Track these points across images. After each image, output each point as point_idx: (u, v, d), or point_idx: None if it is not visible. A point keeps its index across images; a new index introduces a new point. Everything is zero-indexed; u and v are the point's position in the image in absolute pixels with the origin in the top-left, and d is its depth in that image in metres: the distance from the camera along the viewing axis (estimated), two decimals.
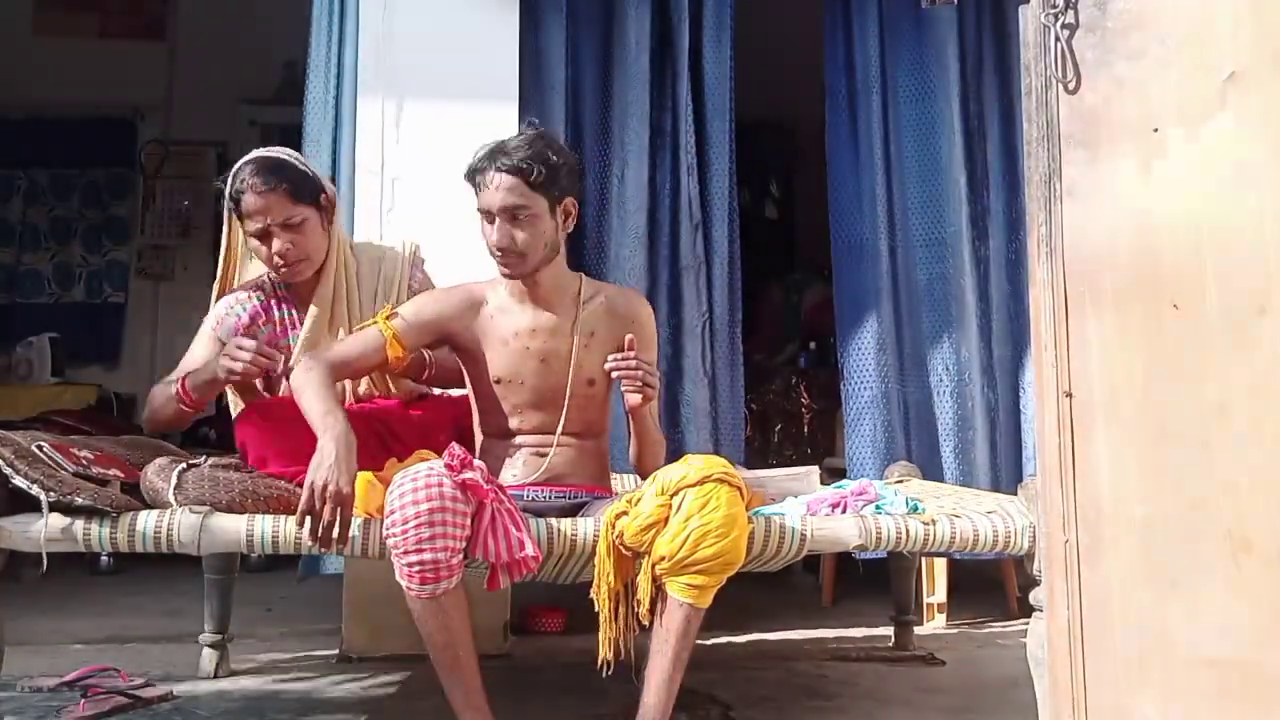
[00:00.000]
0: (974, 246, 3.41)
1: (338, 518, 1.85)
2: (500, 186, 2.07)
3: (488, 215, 2.11)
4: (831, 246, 3.49)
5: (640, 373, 2.06)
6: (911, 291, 3.43)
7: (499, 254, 2.11)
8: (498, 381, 2.17)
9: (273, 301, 2.39)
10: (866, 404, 3.37)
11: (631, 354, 2.07)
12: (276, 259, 2.29)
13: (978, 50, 3.48)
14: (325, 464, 1.87)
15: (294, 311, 2.39)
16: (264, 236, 2.28)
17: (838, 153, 3.51)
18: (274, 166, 2.29)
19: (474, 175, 2.12)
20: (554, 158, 2.10)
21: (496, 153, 2.09)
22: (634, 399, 2.09)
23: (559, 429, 2.14)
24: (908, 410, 3.40)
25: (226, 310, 2.36)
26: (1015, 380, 3.39)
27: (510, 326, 2.17)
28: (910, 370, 3.41)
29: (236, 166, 2.32)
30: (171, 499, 1.95)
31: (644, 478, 2.16)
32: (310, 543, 1.88)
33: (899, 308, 3.42)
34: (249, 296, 2.39)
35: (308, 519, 1.85)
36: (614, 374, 2.08)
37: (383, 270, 2.47)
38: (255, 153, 2.35)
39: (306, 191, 2.30)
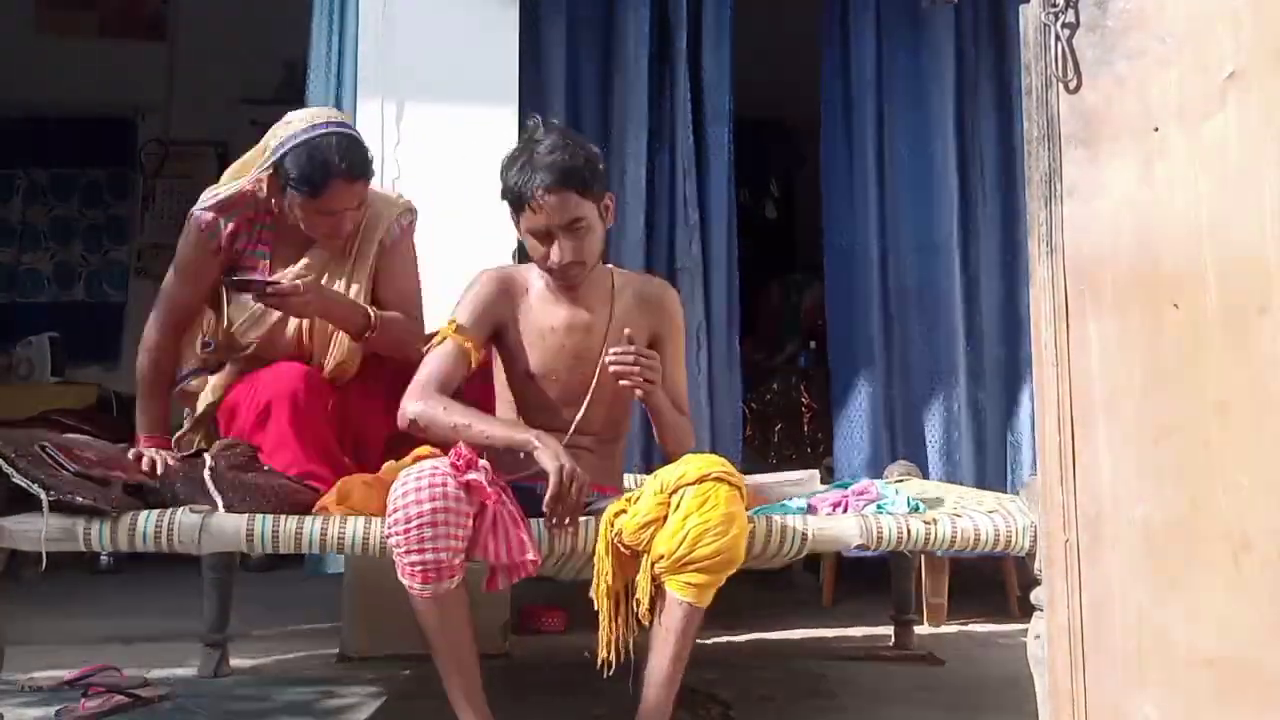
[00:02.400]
0: (964, 252, 3.43)
1: (579, 498, 1.90)
2: (557, 206, 2.04)
3: (543, 235, 2.08)
4: (825, 250, 3.51)
5: (638, 369, 2.03)
6: (902, 296, 3.44)
7: (566, 269, 2.10)
8: (531, 376, 2.17)
9: (253, 216, 2.39)
10: (855, 406, 3.39)
11: (630, 349, 2.04)
12: (336, 237, 2.35)
13: (974, 54, 3.49)
14: (555, 451, 1.92)
15: (269, 229, 2.39)
16: (334, 217, 2.31)
17: (832, 157, 3.52)
18: (361, 158, 2.30)
19: (518, 196, 2.07)
20: (589, 159, 2.10)
21: (536, 168, 2.04)
22: (636, 394, 2.08)
23: (572, 426, 2.14)
24: (894, 413, 3.42)
25: (212, 218, 2.35)
26: (1008, 382, 3.41)
27: (547, 320, 2.18)
28: (898, 373, 3.43)
29: (317, 139, 2.26)
30: (221, 508, 1.97)
31: (670, 460, 2.18)
32: (552, 527, 1.91)
33: (889, 312, 3.44)
34: (232, 208, 2.37)
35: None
36: (612, 369, 2.04)
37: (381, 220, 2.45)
38: (334, 130, 2.29)
39: (370, 171, 2.35)
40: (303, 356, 2.36)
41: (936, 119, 3.42)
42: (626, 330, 2.09)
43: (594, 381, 2.14)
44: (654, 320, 2.23)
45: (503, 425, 2.05)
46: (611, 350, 2.06)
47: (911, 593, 3.05)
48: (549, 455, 1.92)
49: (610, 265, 2.30)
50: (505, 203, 2.14)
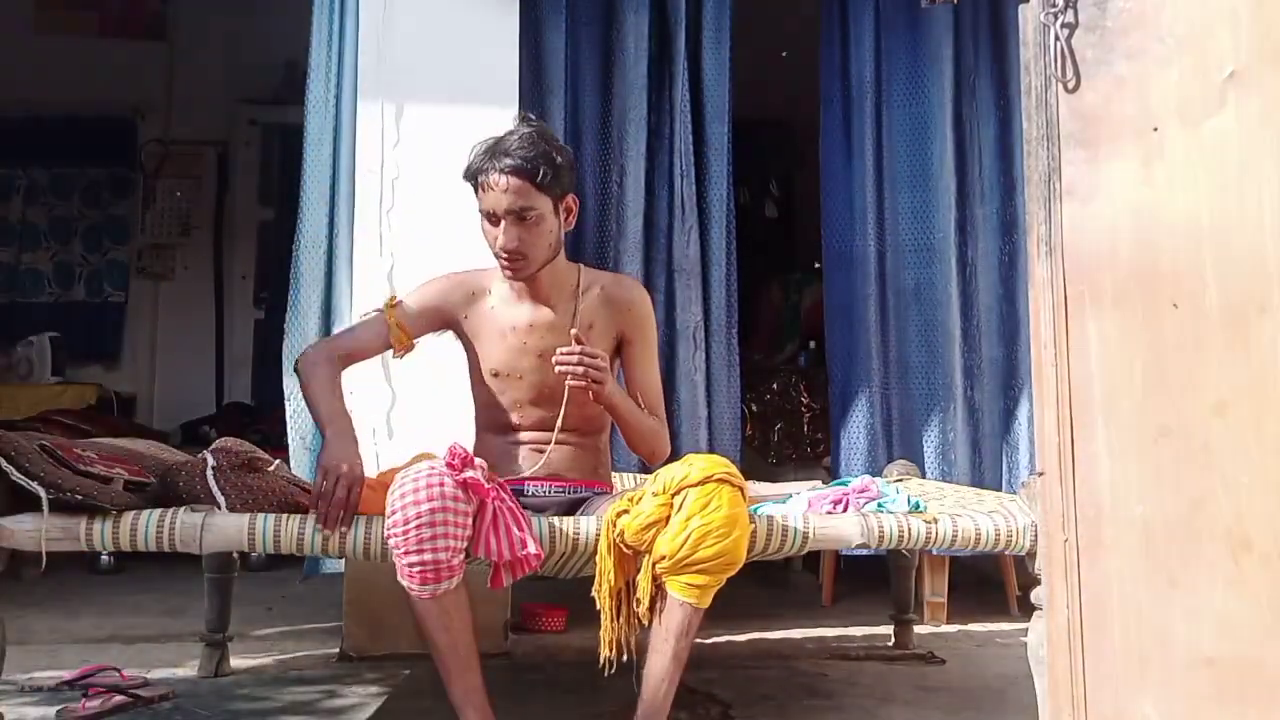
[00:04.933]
0: (961, 252, 3.44)
1: (348, 496, 1.88)
2: (507, 189, 2.04)
3: (491, 217, 2.08)
4: (823, 251, 3.52)
5: (582, 369, 2.00)
6: (899, 296, 3.44)
7: (504, 257, 2.09)
8: (495, 375, 2.17)
9: None
10: (853, 407, 3.40)
11: (575, 349, 2.01)
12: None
13: (973, 54, 3.49)
14: (334, 452, 1.92)
15: None
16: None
17: (830, 158, 3.53)
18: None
19: (475, 176, 2.08)
20: (557, 157, 2.08)
21: (498, 153, 2.05)
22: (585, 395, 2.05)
23: (557, 425, 2.14)
24: (890, 413, 3.42)
25: None
26: (1005, 383, 3.42)
27: (509, 320, 2.17)
28: (895, 373, 3.43)
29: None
30: (224, 508, 1.98)
31: (645, 460, 2.18)
32: (318, 525, 1.89)
33: (886, 312, 3.44)
34: None
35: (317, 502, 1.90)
36: (557, 369, 2.02)
37: None
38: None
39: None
40: None
41: (935, 119, 3.42)
42: (572, 330, 2.06)
43: (566, 380, 2.13)
44: (621, 320, 2.20)
45: (329, 412, 2.02)
46: (558, 350, 2.03)
47: (911, 592, 3.05)
48: (325, 453, 1.95)
49: (579, 265, 2.28)
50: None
